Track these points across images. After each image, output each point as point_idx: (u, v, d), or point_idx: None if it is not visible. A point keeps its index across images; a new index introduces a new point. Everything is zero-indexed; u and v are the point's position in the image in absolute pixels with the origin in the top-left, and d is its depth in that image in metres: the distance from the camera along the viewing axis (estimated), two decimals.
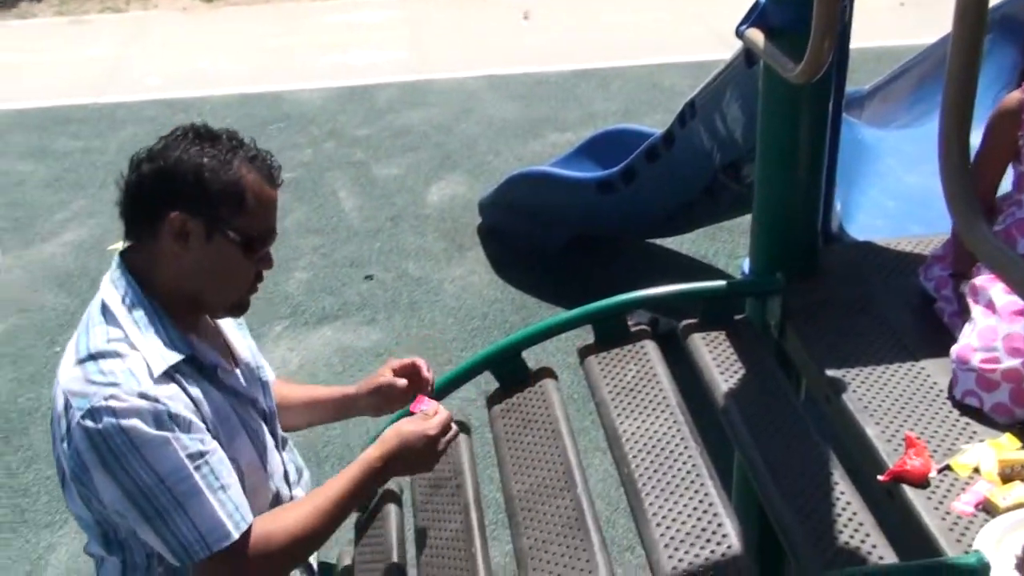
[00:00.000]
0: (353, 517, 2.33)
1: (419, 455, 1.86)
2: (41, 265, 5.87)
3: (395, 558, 2.09)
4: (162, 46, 9.51)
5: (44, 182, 6.75)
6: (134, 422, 1.57)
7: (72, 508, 1.75)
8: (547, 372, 2.40)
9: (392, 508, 2.24)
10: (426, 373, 2.08)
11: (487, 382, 2.62)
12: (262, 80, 8.51)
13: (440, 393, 2.32)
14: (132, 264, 1.75)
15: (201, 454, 1.63)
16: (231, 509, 1.65)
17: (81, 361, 1.65)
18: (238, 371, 1.89)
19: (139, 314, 1.70)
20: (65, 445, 1.63)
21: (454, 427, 1.91)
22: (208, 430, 1.69)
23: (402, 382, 2.07)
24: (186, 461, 1.60)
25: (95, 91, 8.39)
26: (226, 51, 9.30)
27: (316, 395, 2.20)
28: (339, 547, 2.62)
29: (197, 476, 1.61)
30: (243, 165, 1.73)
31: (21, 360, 4.89)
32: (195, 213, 1.69)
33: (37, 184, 6.82)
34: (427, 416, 1.90)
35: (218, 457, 1.67)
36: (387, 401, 2.11)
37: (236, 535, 1.64)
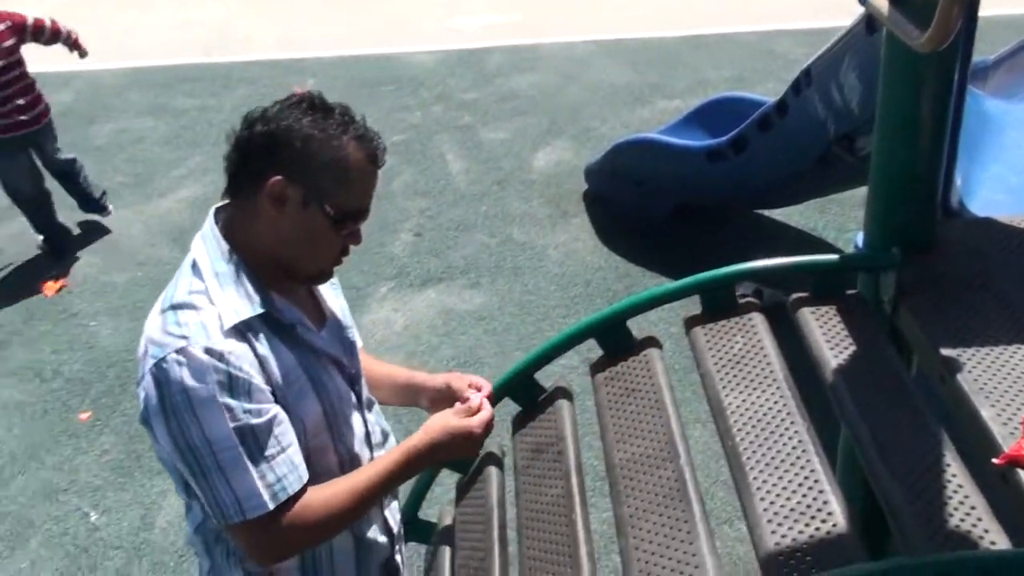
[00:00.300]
0: (455, 477, 2.36)
1: (460, 450, 1.92)
2: (158, 220, 6.05)
3: (496, 520, 2.11)
4: (273, 7, 9.66)
5: (163, 139, 6.94)
6: (195, 382, 1.63)
7: (155, 451, 1.82)
8: (652, 341, 2.38)
9: (494, 471, 2.26)
10: (479, 398, 2.03)
11: (588, 349, 2.62)
12: (373, 42, 8.59)
13: (542, 361, 2.32)
14: (225, 220, 1.80)
15: (251, 427, 1.66)
16: (272, 479, 1.69)
17: (163, 310, 1.72)
18: (324, 330, 1.91)
19: (223, 269, 1.75)
20: (139, 390, 1.70)
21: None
22: (273, 390, 1.72)
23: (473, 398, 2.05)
24: (234, 432, 1.65)
25: (207, 51, 8.57)
26: (337, 13, 9.40)
27: (392, 374, 2.20)
28: (440, 507, 2.65)
29: (242, 448, 1.66)
30: (351, 142, 1.74)
31: (138, 312, 5.06)
32: (296, 180, 1.72)
33: (156, 141, 7.01)
34: (470, 411, 1.94)
35: (272, 423, 1.70)
36: (448, 405, 2.09)
37: (271, 506, 1.69)
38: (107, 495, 4.01)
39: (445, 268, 5.41)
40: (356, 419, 1.95)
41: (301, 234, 1.76)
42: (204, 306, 1.70)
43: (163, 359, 1.64)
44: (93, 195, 5.88)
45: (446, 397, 2.06)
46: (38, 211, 5.68)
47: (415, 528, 2.42)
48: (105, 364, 4.75)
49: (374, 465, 1.88)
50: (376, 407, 2.08)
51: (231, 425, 1.65)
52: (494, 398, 2.09)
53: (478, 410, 1.95)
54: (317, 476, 1.83)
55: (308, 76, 7.85)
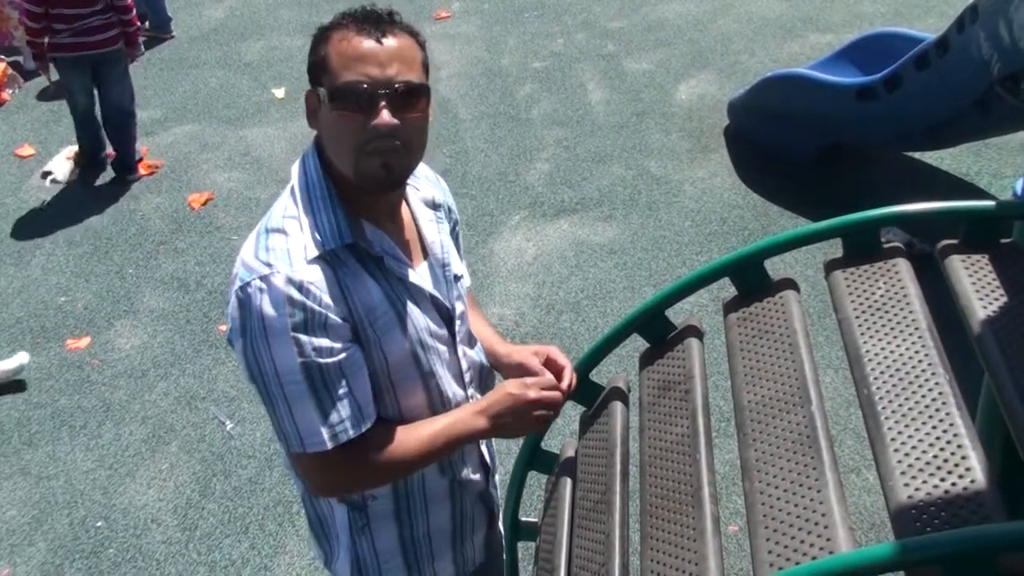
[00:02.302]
0: (579, 409, 2.35)
1: (519, 420, 1.88)
2: (302, 138, 6.16)
3: (618, 455, 2.09)
4: None
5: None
6: (271, 311, 1.64)
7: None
8: (789, 283, 2.30)
9: (618, 405, 2.24)
10: (565, 382, 1.98)
11: (720, 288, 2.56)
12: None
13: (674, 298, 2.27)
14: (320, 145, 1.79)
15: (319, 364, 1.67)
16: (335, 420, 1.70)
17: (259, 232, 1.74)
18: (424, 265, 1.88)
19: (316, 194, 1.75)
20: (227, 310, 1.73)
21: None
22: (354, 324, 1.72)
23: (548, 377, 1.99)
24: (301, 367, 1.66)
25: None
26: None
27: (481, 333, 2.13)
28: (563, 438, 2.66)
29: (307, 384, 1.67)
30: (336, 26, 1.72)
31: None
32: (313, 87, 1.74)
33: (303, 59, 7.10)
34: (539, 384, 1.90)
35: (342, 364, 1.69)
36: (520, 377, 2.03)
37: (329, 446, 1.70)
38: (242, 406, 4.16)
39: (579, 199, 5.38)
40: (450, 357, 1.93)
41: (328, 133, 1.74)
42: (294, 232, 1.70)
43: (247, 284, 1.66)
44: (132, 156, 6.01)
45: (521, 375, 2.00)
46: (87, 127, 5.95)
47: (538, 459, 2.43)
48: None
49: (439, 421, 1.86)
50: (478, 345, 2.06)
51: (299, 360, 1.66)
52: (575, 383, 2.02)
53: (549, 387, 1.91)
54: (402, 413, 1.85)
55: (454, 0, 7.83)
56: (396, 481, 1.93)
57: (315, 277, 1.67)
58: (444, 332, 1.90)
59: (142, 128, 6.25)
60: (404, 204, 1.90)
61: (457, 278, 1.97)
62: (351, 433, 1.72)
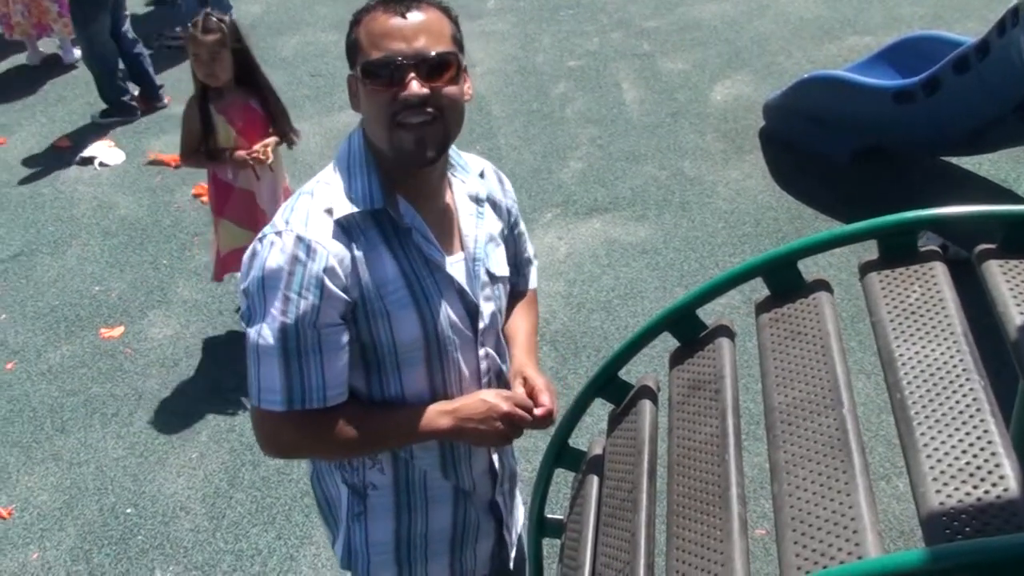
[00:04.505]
0: (607, 408, 2.34)
1: (482, 423, 1.86)
2: (337, 134, 6.19)
3: (646, 453, 2.08)
4: None
5: (344, 54, 7.04)
6: (273, 264, 1.69)
7: None
8: (822, 284, 2.28)
9: (647, 404, 2.22)
10: (537, 411, 1.93)
11: (752, 290, 2.54)
12: None
13: (706, 296, 2.26)
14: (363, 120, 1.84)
15: (298, 329, 1.69)
16: (296, 386, 1.73)
17: (294, 195, 1.81)
18: (460, 256, 1.88)
19: (355, 161, 1.79)
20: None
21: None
22: (362, 294, 1.74)
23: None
24: (280, 326, 1.69)
25: None
26: None
27: (511, 332, 2.11)
28: (590, 436, 2.65)
29: (280, 344, 1.70)
30: (366, 9, 1.76)
31: None
32: (351, 70, 1.79)
33: (338, 55, 7.14)
34: (512, 399, 1.88)
35: (323, 336, 1.72)
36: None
37: (283, 408, 1.74)
38: None
39: (612, 198, 5.36)
40: (468, 353, 1.92)
41: (365, 111, 1.78)
42: (320, 194, 1.76)
43: (264, 236, 1.74)
44: (154, 83, 6.54)
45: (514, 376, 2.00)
46: (113, 74, 6.32)
47: (565, 455, 2.42)
48: None
49: (403, 412, 1.86)
50: (506, 352, 2.04)
51: (280, 319, 1.69)
52: (553, 416, 1.97)
53: (523, 406, 1.90)
54: (404, 395, 1.86)
55: None
56: (347, 458, 1.95)
57: (325, 240, 1.71)
58: (466, 327, 1.90)
59: (177, 122, 6.32)
60: (450, 195, 1.90)
61: (495, 278, 1.96)
62: (307, 404, 1.75)
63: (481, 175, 2.00)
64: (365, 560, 2.02)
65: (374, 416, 1.85)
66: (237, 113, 4.01)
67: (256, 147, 3.95)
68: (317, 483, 2.06)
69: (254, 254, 1.73)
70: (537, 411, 1.92)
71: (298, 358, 1.72)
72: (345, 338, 1.75)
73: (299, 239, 1.69)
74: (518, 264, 2.17)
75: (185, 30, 4.12)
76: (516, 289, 2.18)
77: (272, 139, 4.06)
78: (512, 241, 2.11)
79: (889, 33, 6.47)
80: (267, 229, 1.75)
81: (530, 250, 2.22)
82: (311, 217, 1.72)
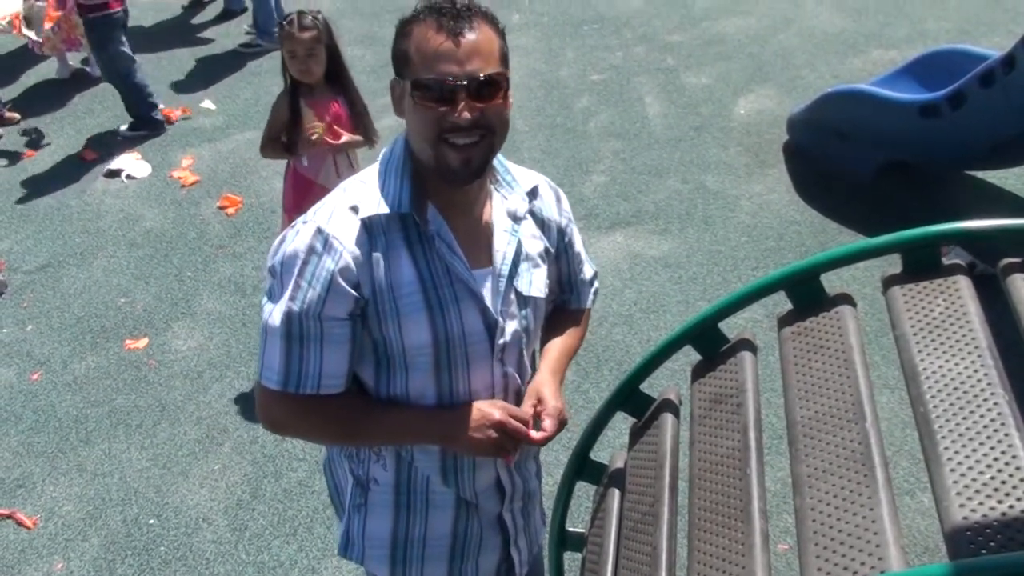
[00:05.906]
0: (629, 421, 2.34)
1: (477, 432, 1.87)
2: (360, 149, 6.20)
3: (667, 467, 2.08)
4: None
5: (370, 68, 7.07)
6: (292, 250, 1.75)
7: None
8: (845, 298, 2.27)
9: (669, 418, 2.22)
10: (535, 434, 1.91)
11: (775, 304, 2.53)
12: None
13: (729, 310, 2.25)
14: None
15: (302, 317, 1.74)
16: (294, 369, 1.78)
17: (338, 186, 1.86)
18: (488, 272, 1.86)
19: (393, 165, 1.82)
20: None
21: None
22: (373, 293, 1.76)
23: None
24: (287, 311, 1.75)
25: None
26: None
27: (546, 351, 2.10)
28: (612, 450, 2.64)
29: (283, 329, 1.76)
30: (416, 19, 1.76)
31: None
32: (397, 77, 1.81)
33: (364, 69, 7.18)
34: (513, 412, 1.89)
35: (325, 329, 1.76)
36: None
37: (276, 388, 1.79)
38: None
39: (635, 212, 5.36)
40: (483, 369, 1.91)
41: (410, 122, 1.80)
42: (352, 192, 1.80)
43: (293, 225, 1.80)
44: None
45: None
46: (140, 87, 6.46)
47: (586, 469, 2.42)
48: None
49: (397, 413, 1.89)
50: (526, 368, 2.03)
51: (289, 303, 1.74)
52: (553, 433, 1.94)
53: (519, 418, 1.89)
54: (409, 396, 1.88)
55: (514, 11, 7.85)
56: (338, 446, 2.02)
57: (344, 237, 1.74)
58: (483, 341, 1.88)
59: (203, 135, 6.44)
60: (488, 208, 1.91)
61: (524, 297, 1.94)
62: (300, 389, 1.80)
63: (534, 192, 1.99)
64: (360, 551, 2.05)
65: (366, 411, 1.89)
66: (325, 109, 4.04)
67: (316, 124, 3.96)
68: (328, 471, 2.12)
69: (283, 239, 1.80)
70: (534, 434, 1.91)
71: (299, 344, 1.77)
72: (348, 333, 1.78)
73: (319, 231, 1.74)
74: (572, 283, 2.17)
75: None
76: (567, 307, 2.19)
77: (358, 136, 4.08)
78: (566, 260, 2.10)
79: (914, 47, 6.45)
80: (298, 220, 1.81)
81: (588, 271, 2.20)
82: (336, 213, 1.76)
